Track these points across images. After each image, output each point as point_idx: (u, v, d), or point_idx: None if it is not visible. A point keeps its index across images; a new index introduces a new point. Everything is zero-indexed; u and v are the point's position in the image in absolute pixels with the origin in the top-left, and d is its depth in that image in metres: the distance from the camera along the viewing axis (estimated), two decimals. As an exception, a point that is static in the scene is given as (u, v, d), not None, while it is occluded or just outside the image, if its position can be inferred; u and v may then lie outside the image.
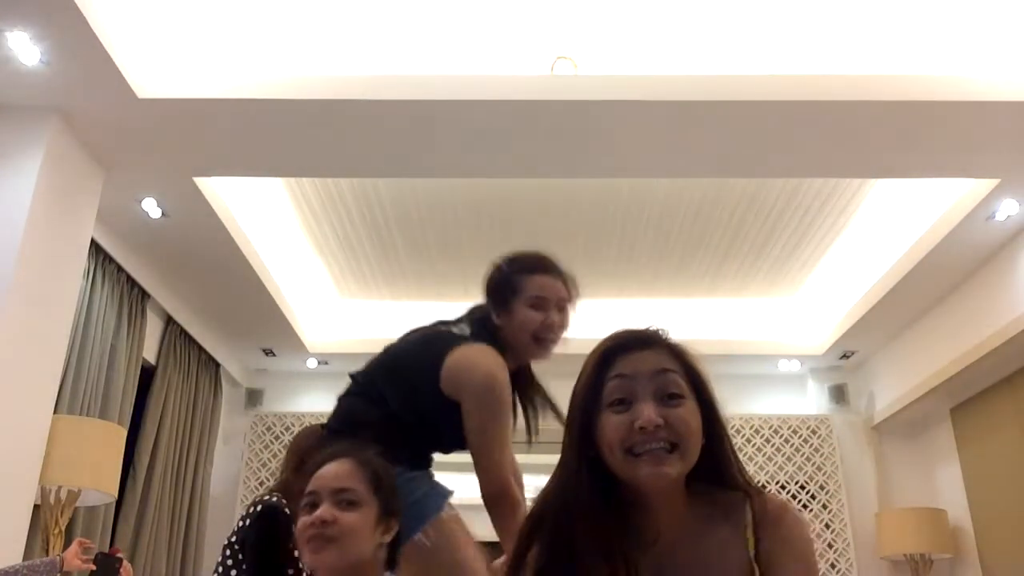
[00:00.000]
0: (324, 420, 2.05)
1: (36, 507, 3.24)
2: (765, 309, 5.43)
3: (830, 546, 5.39)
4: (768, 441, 5.64)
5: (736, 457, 1.19)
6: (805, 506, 5.48)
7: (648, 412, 1.10)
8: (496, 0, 3.12)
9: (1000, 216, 3.83)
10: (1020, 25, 3.06)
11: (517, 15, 3.15)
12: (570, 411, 1.19)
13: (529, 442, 2.08)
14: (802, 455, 5.60)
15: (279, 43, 3.21)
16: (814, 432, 5.65)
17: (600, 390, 1.15)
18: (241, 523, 2.58)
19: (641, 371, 1.14)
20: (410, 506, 1.69)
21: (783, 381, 5.83)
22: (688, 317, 5.31)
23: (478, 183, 4.10)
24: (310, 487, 1.51)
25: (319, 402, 5.73)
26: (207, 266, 4.42)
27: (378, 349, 2.06)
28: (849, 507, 5.46)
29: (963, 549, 5.01)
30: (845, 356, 5.51)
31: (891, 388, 5.32)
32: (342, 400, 2.01)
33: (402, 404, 1.89)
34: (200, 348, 5.13)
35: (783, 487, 5.54)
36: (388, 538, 1.52)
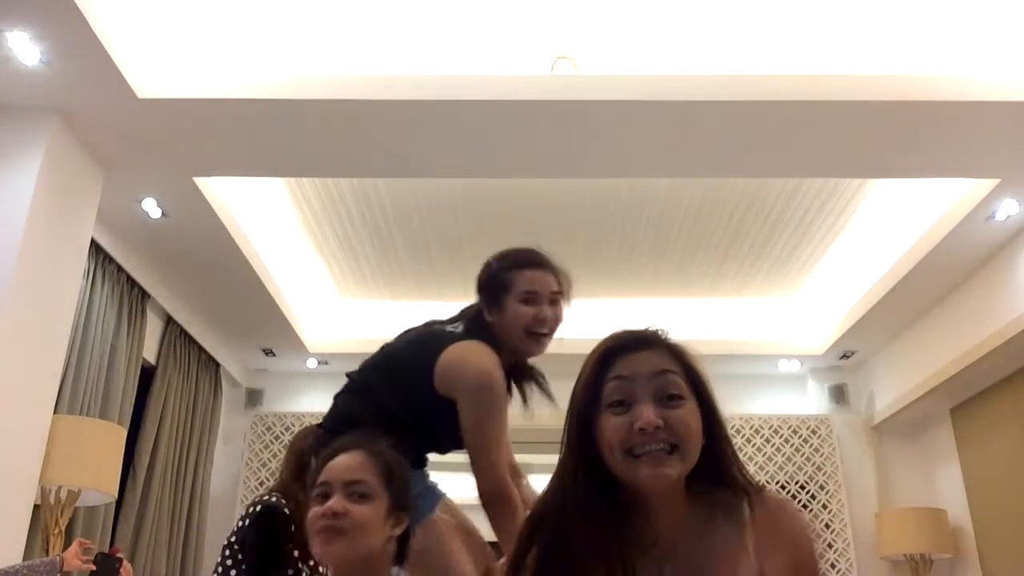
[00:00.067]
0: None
1: (36, 507, 3.24)
2: (765, 309, 5.43)
3: (830, 546, 5.39)
4: (768, 441, 5.64)
5: (737, 457, 1.19)
6: (805, 506, 5.47)
7: (648, 413, 1.10)
8: (496, 0, 3.12)
9: (1000, 216, 3.83)
10: (1020, 25, 3.06)
11: (517, 15, 3.15)
12: (569, 412, 1.19)
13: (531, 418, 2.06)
14: (802, 455, 5.60)
15: (279, 43, 3.21)
16: (814, 432, 5.65)
17: (599, 391, 1.15)
18: (241, 523, 2.59)
19: (640, 372, 1.14)
20: None
21: (783, 381, 5.83)
22: (688, 317, 5.31)
23: (478, 183, 4.09)
24: (322, 478, 1.51)
25: (319, 402, 5.72)
26: (207, 266, 4.42)
27: (377, 348, 2.06)
28: (849, 507, 5.46)
29: (963, 549, 5.01)
30: (845, 356, 5.51)
31: (891, 388, 5.32)
32: (338, 399, 2.01)
33: (398, 403, 1.89)
34: (200, 348, 5.13)
35: (783, 487, 5.54)
36: (398, 532, 1.51)
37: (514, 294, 1.96)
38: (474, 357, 1.88)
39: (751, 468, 5.67)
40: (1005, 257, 4.12)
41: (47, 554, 3.17)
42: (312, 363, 5.73)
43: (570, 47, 3.26)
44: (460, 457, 1.90)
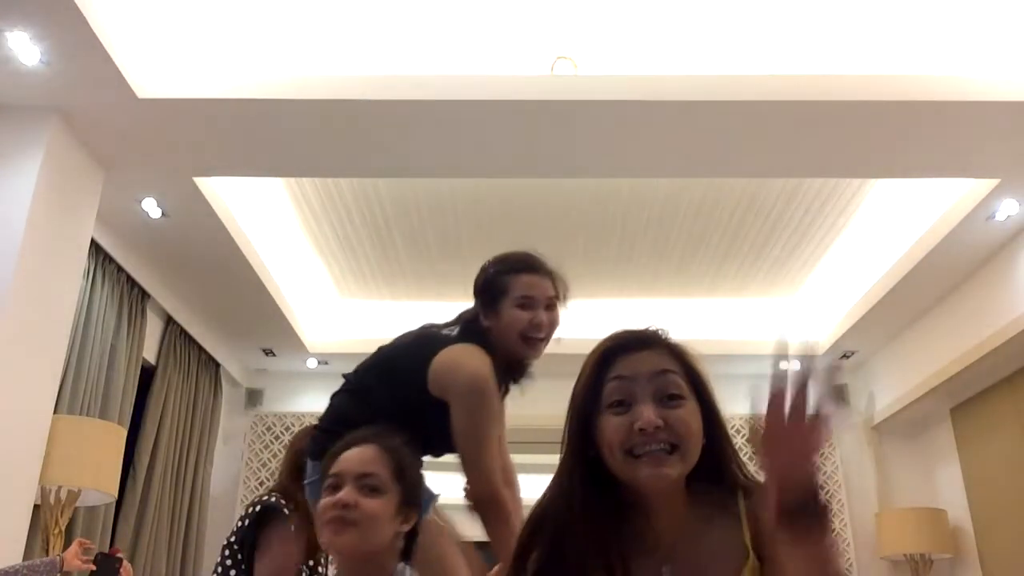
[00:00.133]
0: (323, 421, 2.05)
1: (36, 507, 3.24)
2: (765, 309, 5.43)
3: (830, 546, 5.38)
4: (768, 441, 5.62)
5: (737, 456, 1.19)
6: (805, 506, 5.46)
7: (648, 414, 1.10)
8: (496, 0, 3.11)
9: (1000, 216, 3.83)
10: (1020, 25, 3.06)
11: (517, 15, 3.15)
12: (569, 412, 1.19)
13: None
14: (802, 455, 5.59)
15: (279, 43, 3.21)
16: (814, 432, 5.64)
17: (599, 391, 1.15)
18: (240, 523, 2.58)
19: (640, 372, 1.14)
20: None
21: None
22: (688, 317, 5.31)
23: (478, 183, 4.09)
24: (333, 469, 1.50)
25: (319, 402, 5.64)
26: (207, 266, 4.42)
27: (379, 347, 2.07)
28: (849, 507, 5.46)
29: (963, 549, 5.01)
30: (845, 356, 5.51)
31: (891, 388, 5.32)
32: (334, 399, 2.01)
33: (392, 405, 1.88)
34: (200, 348, 5.13)
35: (783, 487, 5.53)
36: (407, 528, 1.51)
37: (510, 298, 1.96)
38: (467, 360, 1.88)
39: (752, 468, 5.64)
40: (1005, 257, 4.12)
41: (47, 554, 3.17)
42: (312, 363, 5.73)
43: (570, 47, 3.26)
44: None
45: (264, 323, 5.10)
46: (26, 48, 2.82)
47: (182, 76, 3.16)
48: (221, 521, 5.15)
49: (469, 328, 1.99)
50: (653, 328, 1.20)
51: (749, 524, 1.12)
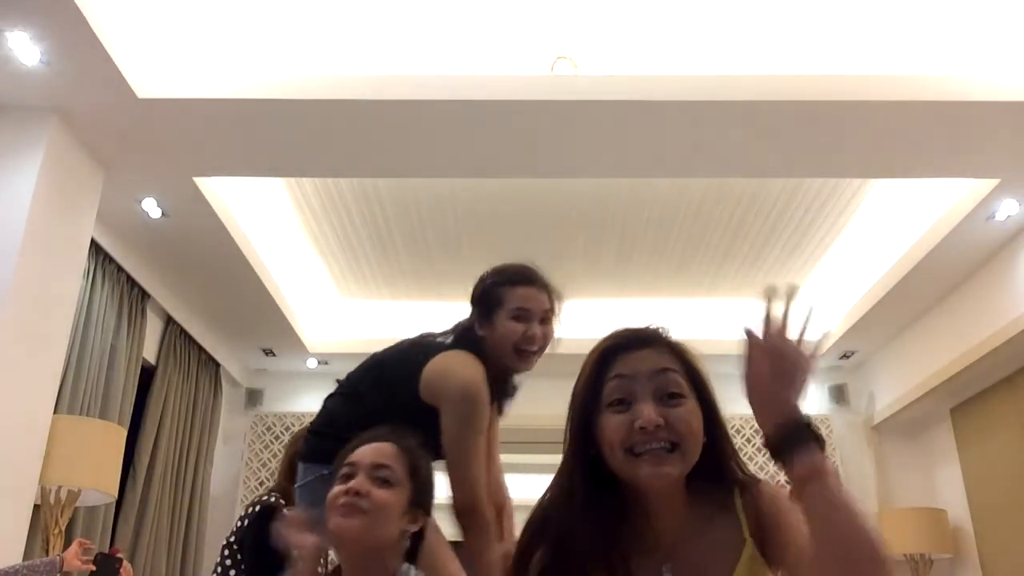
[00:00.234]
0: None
1: (36, 507, 3.24)
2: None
3: (830, 546, 5.38)
4: (768, 441, 5.63)
5: (737, 455, 1.19)
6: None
7: (648, 412, 1.10)
8: (496, 0, 3.12)
9: (1000, 216, 3.83)
10: (1020, 25, 3.06)
11: (517, 15, 3.15)
12: (570, 411, 1.19)
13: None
14: (802, 455, 5.59)
15: (279, 43, 3.21)
16: (814, 432, 5.64)
17: (600, 390, 1.15)
18: (240, 523, 2.58)
19: (641, 371, 1.14)
20: None
21: (783, 381, 5.82)
22: (688, 317, 5.31)
23: (478, 183, 4.09)
24: (348, 460, 1.51)
25: (319, 402, 5.68)
26: (207, 266, 4.42)
27: (378, 349, 2.06)
28: (849, 507, 5.45)
29: (963, 549, 5.01)
30: (845, 356, 5.51)
31: (891, 388, 5.32)
32: (327, 403, 2.01)
33: (384, 410, 1.88)
34: (200, 348, 5.13)
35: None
36: (414, 529, 1.51)
37: (506, 310, 1.96)
38: (460, 368, 1.89)
39: (751, 468, 5.63)
40: (1005, 257, 4.12)
41: (47, 554, 3.17)
42: (312, 363, 5.73)
43: (570, 47, 3.26)
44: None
45: (264, 323, 5.10)
46: (26, 48, 2.82)
47: (182, 76, 3.16)
48: (221, 521, 5.16)
49: (464, 336, 1.99)
50: (653, 326, 1.20)
51: (747, 517, 1.12)
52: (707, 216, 4.40)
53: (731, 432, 1.20)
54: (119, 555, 2.68)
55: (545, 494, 1.20)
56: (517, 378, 2.09)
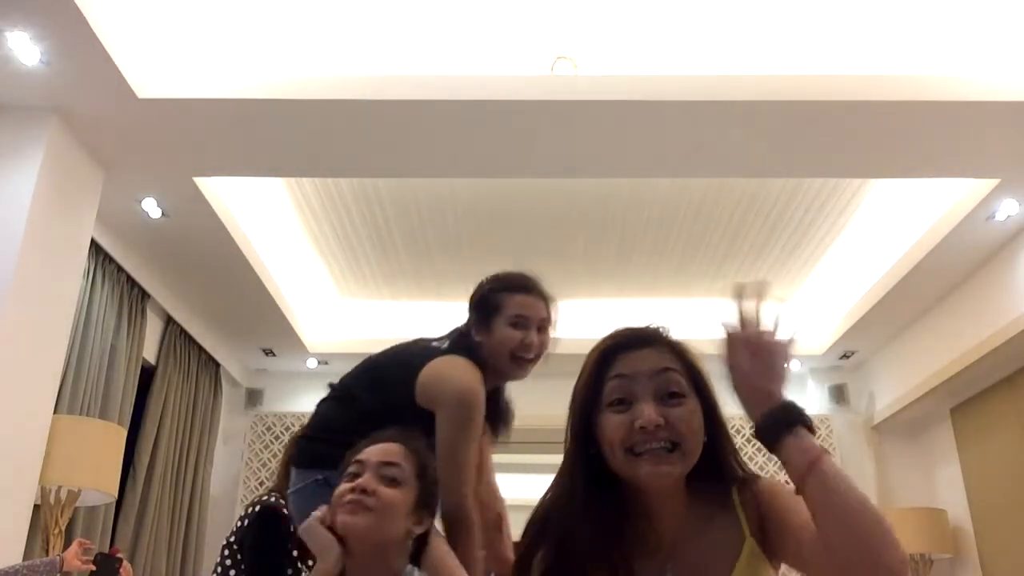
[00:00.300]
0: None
1: (36, 507, 3.24)
2: (764, 309, 5.42)
3: (830, 546, 5.38)
4: (768, 441, 5.63)
5: (737, 454, 1.19)
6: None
7: (648, 412, 1.10)
8: (496, 0, 3.12)
9: (1000, 216, 3.83)
10: (1020, 25, 3.06)
11: (517, 15, 3.15)
12: (570, 411, 1.19)
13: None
14: (802, 455, 5.59)
15: (279, 43, 3.21)
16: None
17: (600, 390, 1.15)
18: (240, 523, 2.58)
19: (641, 370, 1.14)
20: None
21: (783, 381, 5.82)
22: (688, 317, 5.30)
23: (478, 183, 4.09)
24: (357, 458, 1.51)
25: (319, 402, 5.72)
26: (207, 266, 4.42)
27: (378, 349, 2.06)
28: (849, 507, 5.45)
29: (963, 549, 5.01)
30: (845, 356, 5.51)
31: (891, 388, 5.32)
32: (320, 406, 2.00)
33: (379, 414, 1.87)
34: (200, 348, 5.13)
35: (783, 487, 5.54)
36: (419, 530, 1.50)
37: (504, 317, 1.96)
38: (456, 373, 1.88)
39: (752, 468, 5.64)
40: (1005, 257, 4.12)
41: (47, 554, 3.17)
42: (312, 363, 5.73)
43: (570, 47, 3.26)
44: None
45: (264, 323, 5.10)
46: (26, 48, 2.82)
47: (182, 76, 3.16)
48: (221, 521, 5.16)
49: (460, 341, 1.99)
50: (654, 326, 1.20)
51: (746, 514, 1.12)
52: (707, 216, 4.40)
53: (731, 432, 1.20)
54: (119, 555, 2.68)
55: (546, 494, 1.20)
56: (507, 391, 2.09)
